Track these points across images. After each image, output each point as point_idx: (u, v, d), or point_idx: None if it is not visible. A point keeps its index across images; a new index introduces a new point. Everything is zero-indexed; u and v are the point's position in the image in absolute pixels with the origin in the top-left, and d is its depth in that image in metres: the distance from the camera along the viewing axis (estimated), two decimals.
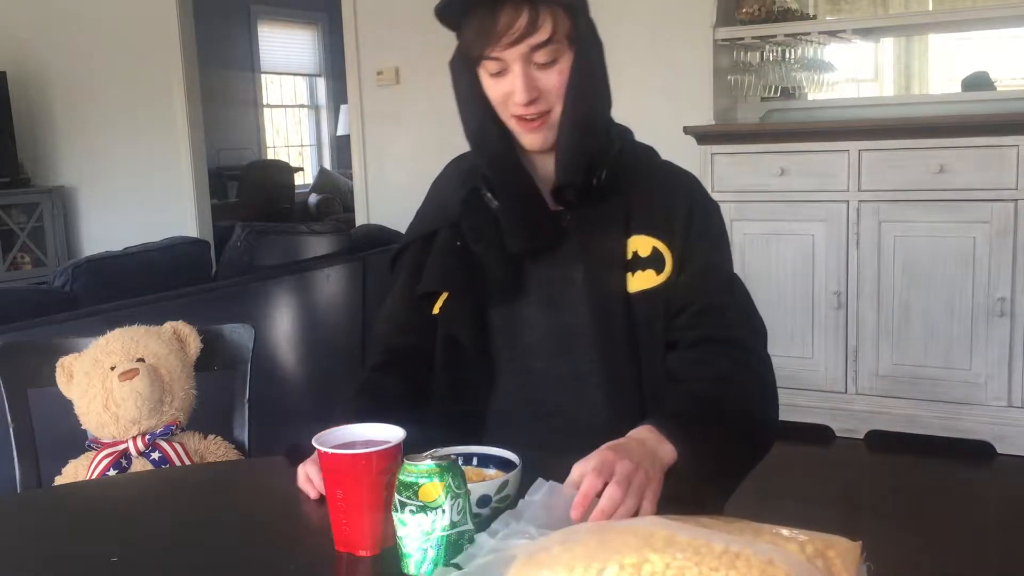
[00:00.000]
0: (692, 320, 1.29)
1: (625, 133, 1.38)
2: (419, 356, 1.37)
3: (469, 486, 0.98)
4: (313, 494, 1.16)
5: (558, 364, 1.32)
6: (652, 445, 1.08)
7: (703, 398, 1.21)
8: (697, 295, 1.30)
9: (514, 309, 1.33)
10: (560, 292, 1.32)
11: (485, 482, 1.06)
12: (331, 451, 1.02)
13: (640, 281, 1.29)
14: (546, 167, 1.32)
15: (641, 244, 1.30)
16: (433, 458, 0.95)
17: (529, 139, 1.29)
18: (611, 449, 1.04)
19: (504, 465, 1.12)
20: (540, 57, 1.23)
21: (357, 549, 1.03)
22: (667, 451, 1.09)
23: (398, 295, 1.43)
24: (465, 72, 1.29)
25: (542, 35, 1.22)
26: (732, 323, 1.30)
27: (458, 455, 1.09)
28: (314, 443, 1.04)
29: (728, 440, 1.17)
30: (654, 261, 1.29)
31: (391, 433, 1.04)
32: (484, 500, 1.04)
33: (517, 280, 1.32)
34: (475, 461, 1.13)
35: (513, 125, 1.29)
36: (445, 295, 1.33)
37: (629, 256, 1.30)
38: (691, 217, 1.32)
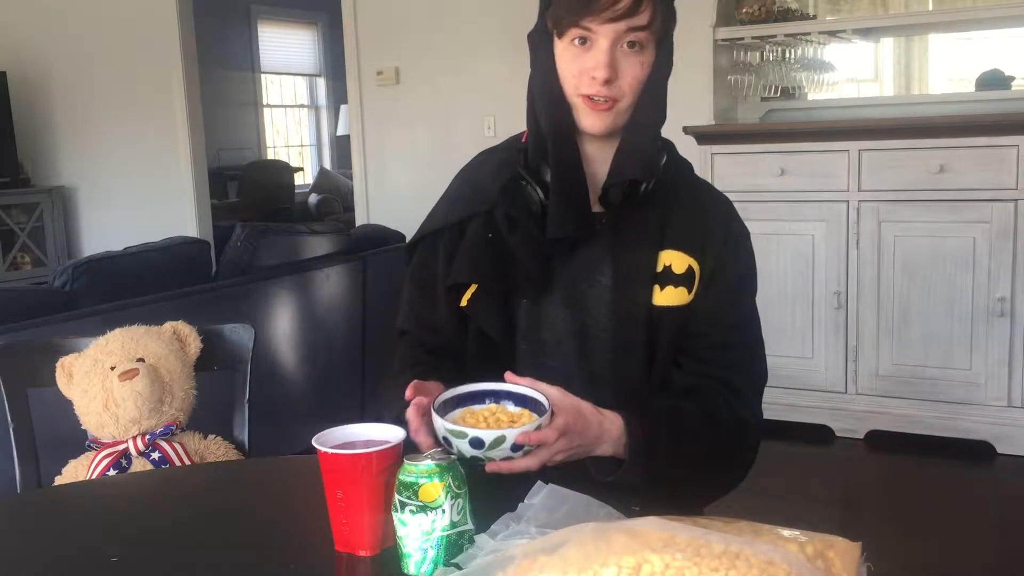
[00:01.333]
0: (702, 352, 1.31)
1: (670, 145, 1.38)
2: (453, 350, 1.36)
3: (503, 431, 1.03)
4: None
5: (572, 364, 1.32)
6: (603, 440, 1.16)
7: (680, 427, 1.24)
8: (713, 326, 1.31)
9: (537, 305, 1.33)
10: (583, 293, 1.32)
11: (514, 428, 1.06)
12: (331, 451, 1.02)
13: (670, 296, 1.29)
14: (597, 164, 1.31)
15: (676, 260, 1.30)
16: (433, 458, 0.95)
17: (591, 120, 1.26)
18: (576, 419, 1.12)
19: (530, 405, 1.12)
20: (631, 37, 1.21)
21: (357, 549, 1.03)
22: (607, 448, 1.17)
23: (436, 286, 1.38)
24: (545, 46, 1.27)
25: (642, 19, 1.20)
26: (736, 368, 1.32)
27: (486, 391, 1.12)
28: (314, 443, 1.04)
29: (685, 475, 1.23)
30: (687, 280, 1.30)
31: (391, 433, 1.04)
32: (516, 447, 1.05)
33: (546, 276, 1.32)
34: (504, 401, 1.13)
35: (580, 104, 1.26)
36: (474, 287, 1.33)
37: (660, 268, 1.30)
38: (725, 243, 1.33)
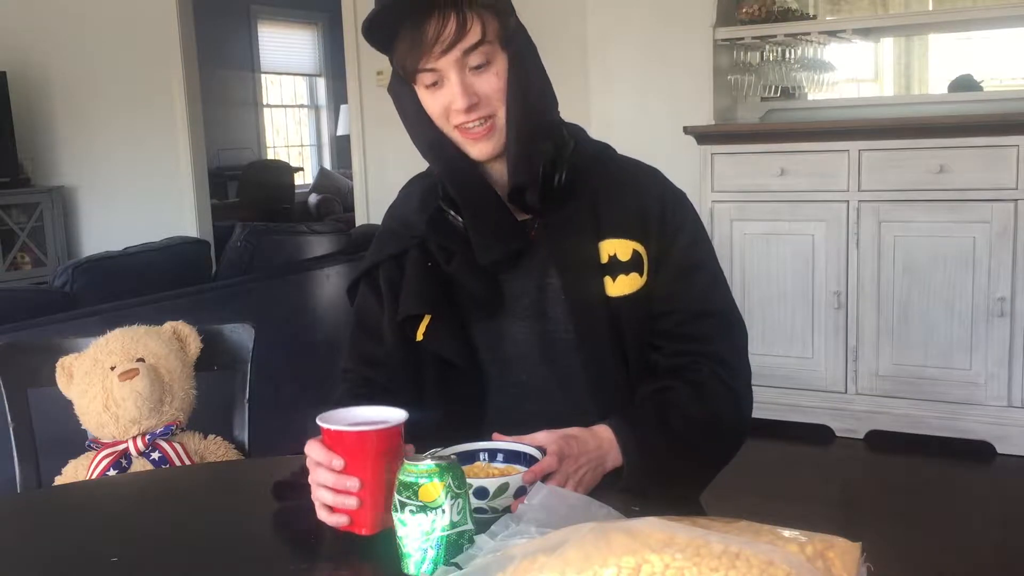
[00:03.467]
0: (673, 329, 1.31)
1: (578, 131, 1.37)
2: (402, 385, 1.34)
3: (507, 478, 1.03)
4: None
5: (543, 373, 1.32)
6: (605, 449, 1.18)
7: (670, 409, 1.25)
8: (678, 302, 1.31)
9: (495, 323, 1.32)
10: (537, 301, 1.31)
11: (485, 479, 1.06)
12: (335, 428, 1.03)
13: (623, 285, 1.29)
14: (503, 175, 1.30)
15: (620, 248, 1.29)
16: (433, 458, 0.95)
17: (477, 149, 1.27)
18: (569, 440, 1.13)
19: (519, 460, 1.13)
20: (474, 60, 1.22)
21: (358, 528, 1.04)
22: (615, 458, 1.18)
23: (381, 321, 1.37)
24: (406, 92, 1.28)
25: (472, 38, 1.20)
26: (713, 337, 1.31)
27: (474, 451, 1.12)
28: (319, 421, 1.05)
29: (682, 455, 1.23)
30: (636, 265, 1.29)
31: (394, 415, 1.05)
32: (521, 493, 1.05)
33: (495, 294, 1.31)
34: (500, 457, 1.14)
35: (458, 138, 1.27)
36: (427, 318, 1.32)
37: (605, 260, 1.29)
38: (663, 215, 1.32)
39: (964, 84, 3.83)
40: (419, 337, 1.32)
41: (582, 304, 1.29)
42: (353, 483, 1.03)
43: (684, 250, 1.32)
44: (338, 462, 1.03)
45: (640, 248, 1.30)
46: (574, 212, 1.30)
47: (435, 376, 1.32)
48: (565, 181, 1.28)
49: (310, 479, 1.07)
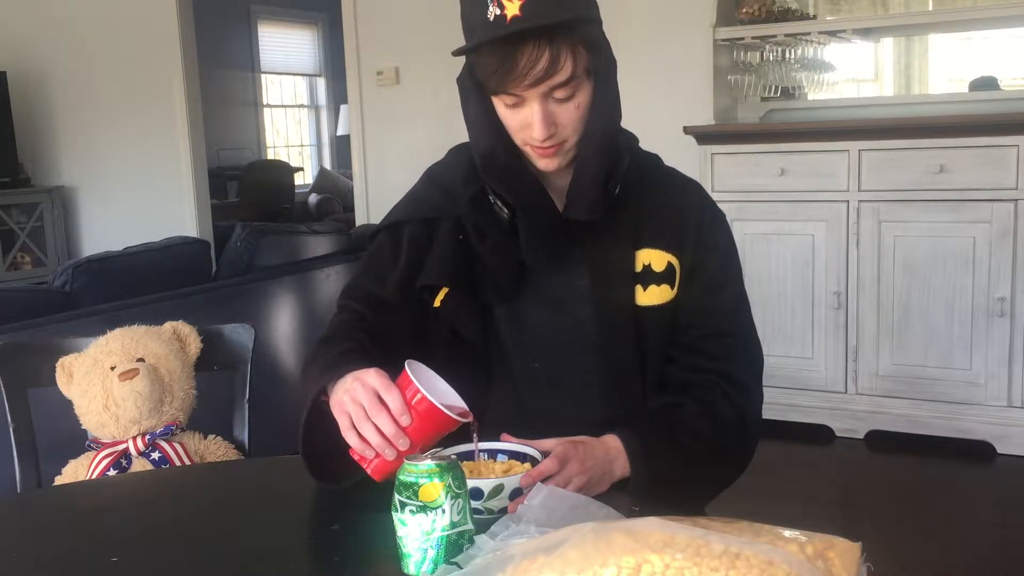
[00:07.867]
0: (691, 344, 1.31)
1: (631, 142, 1.37)
2: (395, 337, 1.32)
3: (501, 479, 1.04)
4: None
5: (557, 364, 1.32)
6: (612, 457, 1.18)
7: (678, 425, 1.25)
8: (701, 317, 1.31)
9: (515, 308, 1.32)
10: (562, 297, 1.32)
11: (482, 479, 1.06)
12: (433, 400, 1.05)
13: (653, 295, 1.29)
14: (562, 177, 1.30)
15: (655, 258, 1.30)
16: (433, 458, 0.95)
17: (543, 163, 1.26)
18: (575, 445, 1.13)
19: (520, 460, 1.13)
20: (560, 94, 1.19)
21: (375, 472, 1.08)
22: (622, 467, 1.18)
23: (391, 274, 1.36)
24: (475, 93, 1.25)
25: (563, 75, 1.17)
26: (730, 356, 1.32)
27: (486, 450, 1.13)
28: (410, 372, 1.07)
29: (687, 472, 1.23)
30: (669, 276, 1.30)
31: (464, 407, 1.10)
32: (516, 494, 1.05)
33: (519, 283, 1.31)
34: (502, 458, 1.14)
35: (528, 151, 1.26)
36: (446, 289, 1.32)
37: (639, 268, 1.30)
38: (700, 230, 1.33)
39: (985, 85, 3.83)
40: (436, 304, 1.32)
41: (609, 310, 1.30)
42: (405, 443, 1.06)
43: (715, 267, 1.33)
44: (406, 419, 1.06)
45: (674, 260, 1.30)
46: (616, 219, 1.30)
47: (445, 352, 1.31)
48: (616, 194, 1.29)
49: (365, 411, 1.08)
